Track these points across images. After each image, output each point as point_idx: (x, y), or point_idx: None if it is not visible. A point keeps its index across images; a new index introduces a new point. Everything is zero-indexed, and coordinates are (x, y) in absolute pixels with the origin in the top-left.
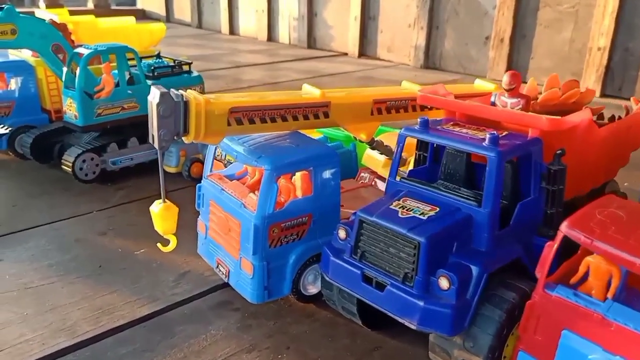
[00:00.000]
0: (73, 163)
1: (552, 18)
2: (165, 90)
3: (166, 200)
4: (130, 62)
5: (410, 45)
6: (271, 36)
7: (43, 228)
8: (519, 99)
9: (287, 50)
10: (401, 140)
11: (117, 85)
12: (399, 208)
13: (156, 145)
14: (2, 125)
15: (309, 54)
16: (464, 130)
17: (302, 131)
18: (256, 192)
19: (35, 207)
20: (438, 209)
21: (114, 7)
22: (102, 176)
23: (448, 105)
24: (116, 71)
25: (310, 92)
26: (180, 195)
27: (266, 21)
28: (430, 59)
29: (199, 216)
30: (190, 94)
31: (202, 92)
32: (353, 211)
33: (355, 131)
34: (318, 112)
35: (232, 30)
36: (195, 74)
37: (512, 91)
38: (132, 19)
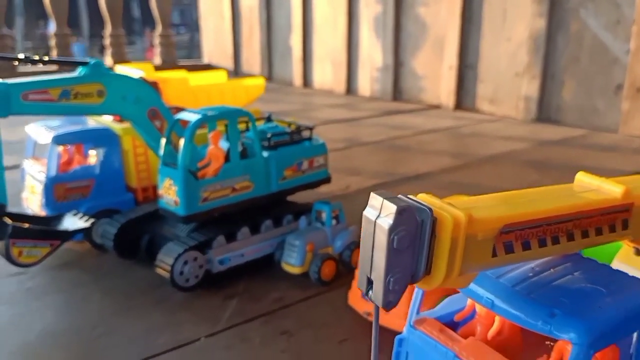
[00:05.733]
0: (172, 266)
1: None
2: (405, 201)
3: None
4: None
5: (517, 97)
6: (350, 88)
7: None
8: None
9: (369, 103)
10: None
11: (226, 159)
12: None
13: (378, 299)
14: (80, 215)
15: (396, 107)
16: None
17: None
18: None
19: (124, 331)
20: None
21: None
22: (206, 279)
23: None
24: (224, 141)
25: (602, 188)
26: (309, 311)
27: (345, 73)
28: (544, 112)
29: None
30: (438, 204)
31: (326, 162)
32: None
33: None
34: (615, 221)
35: (306, 82)
36: (317, 140)
37: None
38: (223, 73)
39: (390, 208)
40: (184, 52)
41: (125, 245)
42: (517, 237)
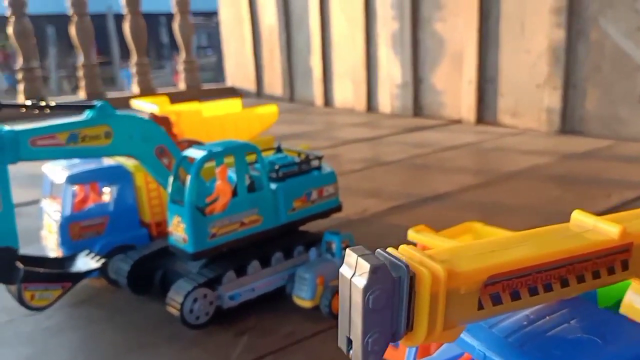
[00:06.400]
0: (182, 304)
1: None
2: (379, 260)
3: None
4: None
5: (539, 109)
6: (370, 106)
7: None
8: None
9: (390, 120)
10: None
11: (234, 193)
12: None
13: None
14: (93, 254)
15: (416, 123)
16: None
17: None
18: None
19: None
20: None
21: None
22: (217, 314)
23: None
24: (232, 174)
25: (597, 229)
26: (320, 346)
27: (365, 91)
28: (568, 123)
29: None
30: (417, 257)
31: (336, 191)
32: None
33: None
34: (614, 262)
35: (327, 101)
36: (326, 169)
37: None
38: (238, 102)
39: (364, 267)
40: (211, 74)
41: (138, 282)
42: (504, 288)
